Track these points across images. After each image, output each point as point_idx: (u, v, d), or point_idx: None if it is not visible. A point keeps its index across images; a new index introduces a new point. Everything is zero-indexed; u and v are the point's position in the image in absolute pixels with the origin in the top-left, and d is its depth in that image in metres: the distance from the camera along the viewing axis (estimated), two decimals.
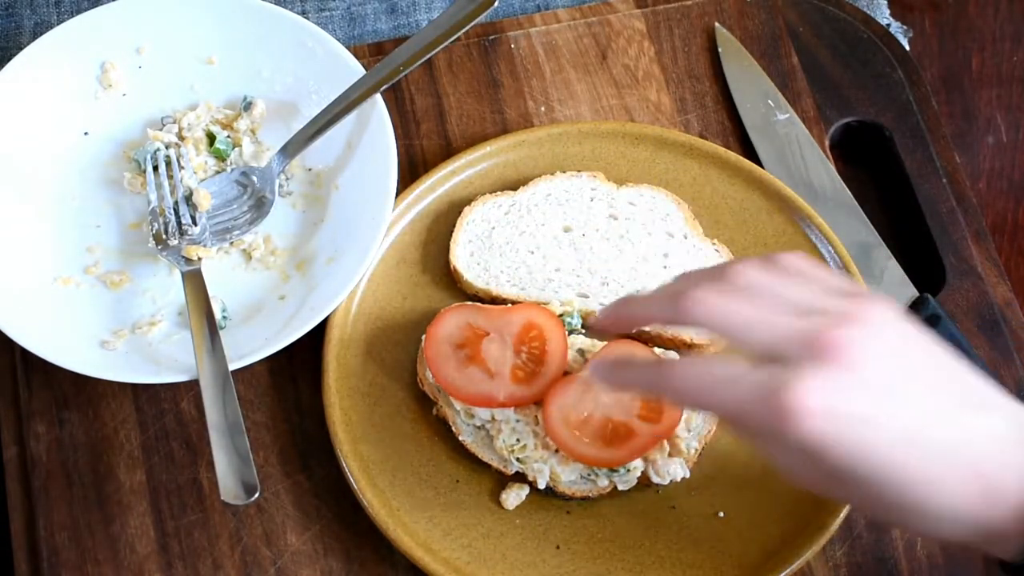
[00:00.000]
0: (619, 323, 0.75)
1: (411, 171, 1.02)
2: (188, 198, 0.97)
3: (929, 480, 0.63)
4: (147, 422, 0.93)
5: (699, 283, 0.68)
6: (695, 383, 0.66)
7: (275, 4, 1.01)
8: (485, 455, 0.88)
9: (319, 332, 0.91)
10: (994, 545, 0.65)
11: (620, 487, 0.87)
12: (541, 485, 0.87)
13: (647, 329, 0.92)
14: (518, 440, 0.87)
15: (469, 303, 0.93)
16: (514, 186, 0.99)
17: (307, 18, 1.03)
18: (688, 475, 0.88)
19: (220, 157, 1.00)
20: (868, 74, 1.07)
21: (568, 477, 0.87)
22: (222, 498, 0.80)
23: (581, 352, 0.90)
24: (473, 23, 0.98)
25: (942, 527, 0.65)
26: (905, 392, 0.63)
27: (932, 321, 0.94)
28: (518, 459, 0.87)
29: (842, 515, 0.86)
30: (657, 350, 0.89)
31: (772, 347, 0.64)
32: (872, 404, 0.62)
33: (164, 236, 0.95)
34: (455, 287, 0.96)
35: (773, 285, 0.67)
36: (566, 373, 0.88)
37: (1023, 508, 0.63)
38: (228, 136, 1.00)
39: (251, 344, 0.89)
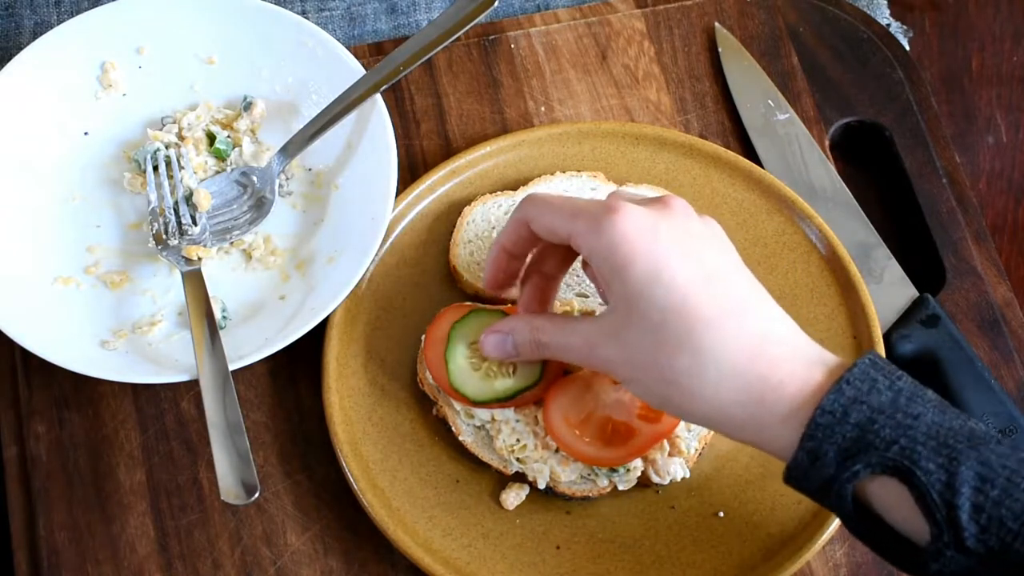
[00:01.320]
0: (493, 261, 0.84)
1: (411, 171, 1.02)
2: (188, 198, 0.97)
3: (718, 324, 0.70)
4: (147, 422, 0.93)
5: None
6: (559, 202, 0.77)
7: (275, 4, 1.01)
8: (485, 455, 0.88)
9: (319, 332, 0.91)
10: (762, 433, 0.70)
11: (620, 487, 0.87)
12: (541, 485, 0.87)
13: None
14: (518, 440, 0.87)
15: (469, 303, 0.93)
16: (514, 186, 0.99)
17: (307, 18, 1.03)
18: (688, 475, 0.88)
19: (220, 157, 1.00)
20: (868, 74, 1.07)
21: (568, 477, 0.87)
22: (222, 498, 0.80)
23: None
24: (473, 23, 0.98)
25: (715, 395, 0.70)
26: (704, 250, 0.73)
27: (932, 321, 0.94)
28: (518, 459, 0.87)
29: None
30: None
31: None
32: (684, 240, 0.73)
33: (164, 236, 0.95)
34: (455, 287, 0.96)
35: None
36: (566, 373, 0.88)
37: (795, 409, 0.69)
38: (228, 136, 1.00)
39: (251, 344, 0.89)
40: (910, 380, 0.70)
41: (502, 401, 0.86)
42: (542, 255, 0.84)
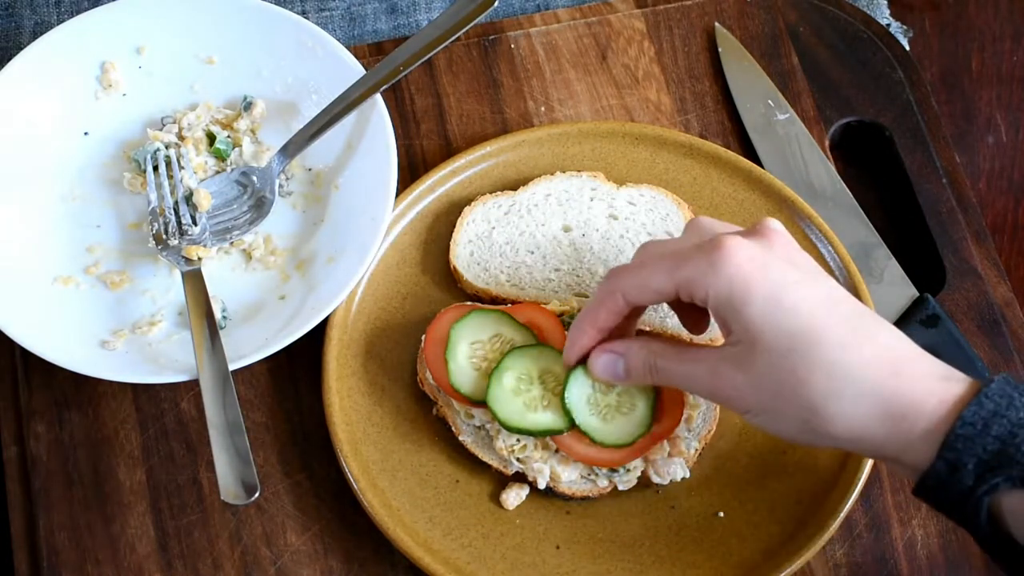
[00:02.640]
0: (580, 341, 0.83)
1: (411, 171, 1.02)
2: (188, 198, 0.97)
3: (850, 344, 0.70)
4: (147, 422, 0.93)
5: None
6: (650, 263, 0.77)
7: (275, 4, 1.01)
8: (485, 455, 0.88)
9: (319, 332, 0.91)
10: (903, 451, 0.70)
11: (620, 487, 0.87)
12: (541, 485, 0.87)
13: (646, 329, 0.92)
14: (518, 440, 0.87)
15: (469, 303, 0.93)
16: (514, 186, 0.99)
17: (307, 18, 1.03)
18: (688, 475, 0.88)
19: (220, 157, 1.00)
20: (868, 74, 1.07)
21: (568, 477, 0.87)
22: (222, 498, 0.80)
23: None
24: (473, 23, 0.98)
25: (854, 415, 0.70)
26: (817, 275, 0.74)
27: (932, 321, 0.94)
28: (518, 459, 0.87)
29: (842, 515, 0.86)
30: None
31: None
32: (792, 267, 0.73)
33: (164, 236, 0.95)
34: (455, 287, 0.96)
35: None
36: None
37: (936, 424, 0.68)
38: (228, 136, 1.00)
39: (251, 344, 0.89)
40: None
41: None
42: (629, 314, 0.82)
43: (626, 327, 0.83)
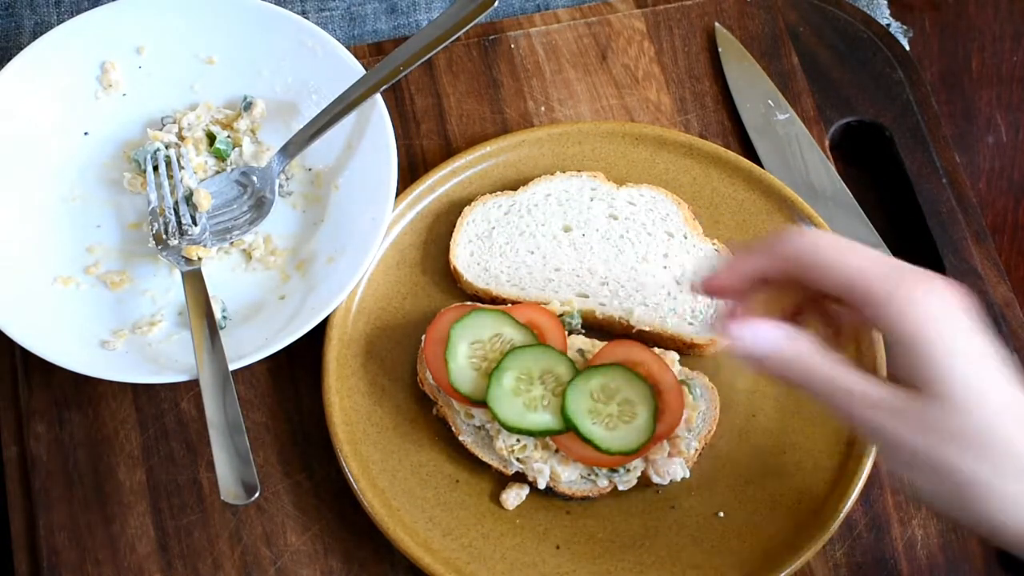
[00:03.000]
0: (734, 277, 0.75)
1: (411, 171, 1.02)
2: (188, 198, 0.97)
3: (1006, 423, 0.65)
4: (147, 422, 0.93)
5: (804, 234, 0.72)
6: (838, 243, 0.70)
7: (275, 4, 1.01)
8: (485, 455, 0.88)
9: (319, 332, 0.91)
10: None
11: (620, 487, 0.87)
12: (541, 485, 0.87)
13: (647, 329, 0.92)
14: (518, 440, 0.87)
15: (469, 303, 0.93)
16: (514, 186, 0.99)
17: (307, 18, 1.03)
18: (688, 475, 0.88)
19: (220, 157, 1.00)
20: (868, 74, 1.07)
21: (568, 477, 0.87)
22: (222, 498, 0.80)
23: (581, 352, 0.90)
24: (473, 23, 0.98)
25: (1011, 489, 0.65)
26: (985, 341, 0.68)
27: None
28: (518, 459, 0.87)
29: (842, 515, 0.86)
30: (656, 350, 0.89)
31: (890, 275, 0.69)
32: (968, 323, 0.67)
33: (164, 236, 0.95)
34: (455, 287, 0.96)
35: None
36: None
37: None
38: (228, 136, 1.00)
39: (251, 344, 0.89)
40: None
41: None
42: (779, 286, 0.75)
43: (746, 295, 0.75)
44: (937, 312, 0.67)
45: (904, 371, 0.68)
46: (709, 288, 0.75)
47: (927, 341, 0.66)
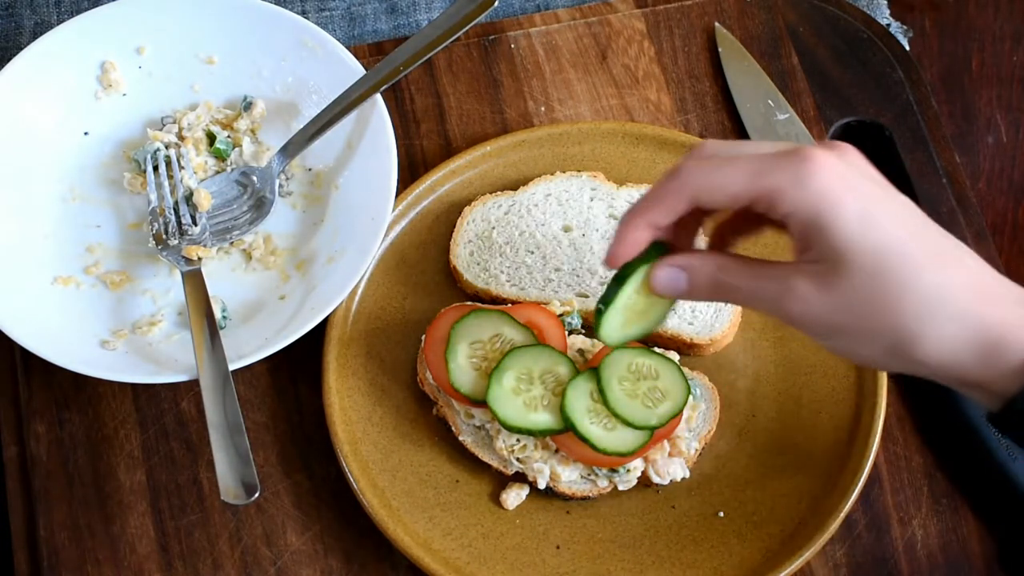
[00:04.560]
0: (630, 243, 0.75)
1: (411, 171, 1.02)
2: (188, 198, 0.97)
3: (942, 266, 0.68)
4: (147, 422, 0.93)
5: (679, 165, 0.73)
6: (718, 164, 0.72)
7: (275, 4, 1.01)
8: (485, 455, 0.88)
9: (319, 332, 0.91)
10: (988, 380, 0.69)
11: (620, 487, 0.87)
12: (541, 485, 0.87)
13: None
14: (518, 440, 0.87)
15: (469, 303, 0.93)
16: (514, 186, 0.99)
17: (307, 18, 1.03)
18: (688, 475, 0.88)
19: (220, 157, 1.00)
20: (868, 74, 1.07)
21: (568, 477, 0.87)
22: (222, 498, 0.80)
23: (581, 352, 0.90)
24: (473, 23, 0.98)
25: (944, 337, 0.68)
26: (899, 194, 0.71)
27: None
28: (518, 459, 0.87)
29: (842, 515, 0.86)
30: (657, 349, 0.89)
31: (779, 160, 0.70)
32: (876, 184, 0.70)
33: (164, 236, 0.95)
34: (455, 287, 0.96)
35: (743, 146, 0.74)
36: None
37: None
38: (228, 136, 1.00)
39: (251, 344, 0.89)
40: None
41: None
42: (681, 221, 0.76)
43: (680, 237, 0.77)
44: (827, 183, 0.68)
45: (815, 250, 0.70)
46: (613, 262, 0.76)
47: (824, 215, 0.68)
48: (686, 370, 0.90)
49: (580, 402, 0.85)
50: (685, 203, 0.72)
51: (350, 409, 0.90)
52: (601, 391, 0.85)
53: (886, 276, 0.68)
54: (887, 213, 0.69)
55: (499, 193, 0.98)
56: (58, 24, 1.00)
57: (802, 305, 0.70)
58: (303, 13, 1.11)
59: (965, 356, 0.69)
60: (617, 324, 0.77)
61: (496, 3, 0.98)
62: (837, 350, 0.73)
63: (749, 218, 0.77)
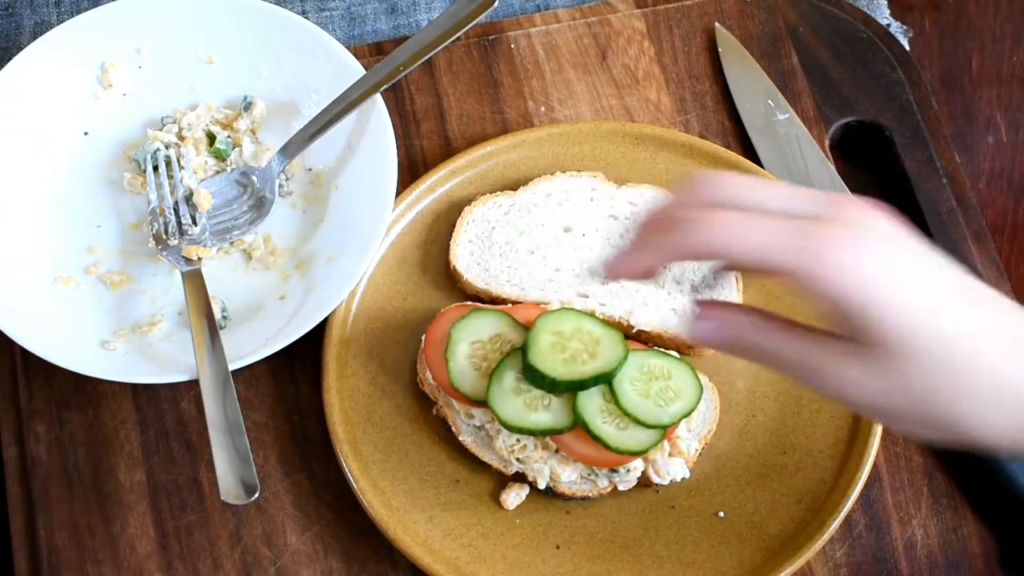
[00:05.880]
0: (632, 266, 0.70)
1: (411, 171, 1.02)
2: (188, 198, 0.97)
3: (982, 345, 0.64)
4: (147, 422, 0.93)
5: (693, 210, 0.67)
6: (733, 227, 0.65)
7: (275, 4, 1.01)
8: (485, 455, 0.88)
9: (319, 332, 0.91)
10: None
11: (620, 487, 0.87)
12: (541, 485, 0.87)
13: (647, 329, 0.92)
14: (518, 440, 0.87)
15: (469, 303, 0.93)
16: (514, 186, 0.99)
17: (307, 18, 1.03)
18: (688, 475, 0.88)
19: (220, 157, 1.00)
20: (868, 74, 1.07)
21: (568, 477, 0.87)
22: (222, 498, 0.80)
23: None
24: (473, 23, 0.98)
25: (991, 414, 0.65)
26: (932, 273, 0.65)
27: None
28: (518, 459, 0.87)
29: (842, 515, 0.86)
30: (659, 350, 0.89)
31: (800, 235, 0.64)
32: (909, 265, 0.64)
33: (164, 236, 0.95)
34: (455, 287, 0.96)
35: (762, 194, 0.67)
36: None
37: None
38: (228, 136, 1.00)
39: (251, 344, 0.89)
40: None
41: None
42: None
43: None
44: (869, 271, 0.63)
45: (855, 332, 0.65)
46: (613, 274, 0.71)
47: (870, 306, 0.63)
48: None
49: (592, 402, 0.85)
50: (694, 257, 0.67)
51: (350, 409, 0.90)
52: (612, 391, 0.85)
53: (938, 360, 0.64)
54: (931, 292, 0.64)
55: (499, 193, 0.98)
56: (58, 24, 1.00)
57: (854, 389, 0.66)
58: (303, 13, 1.11)
59: (1018, 435, 0.66)
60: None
61: (496, 3, 0.98)
62: (895, 430, 0.71)
63: None
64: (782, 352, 0.68)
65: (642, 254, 0.69)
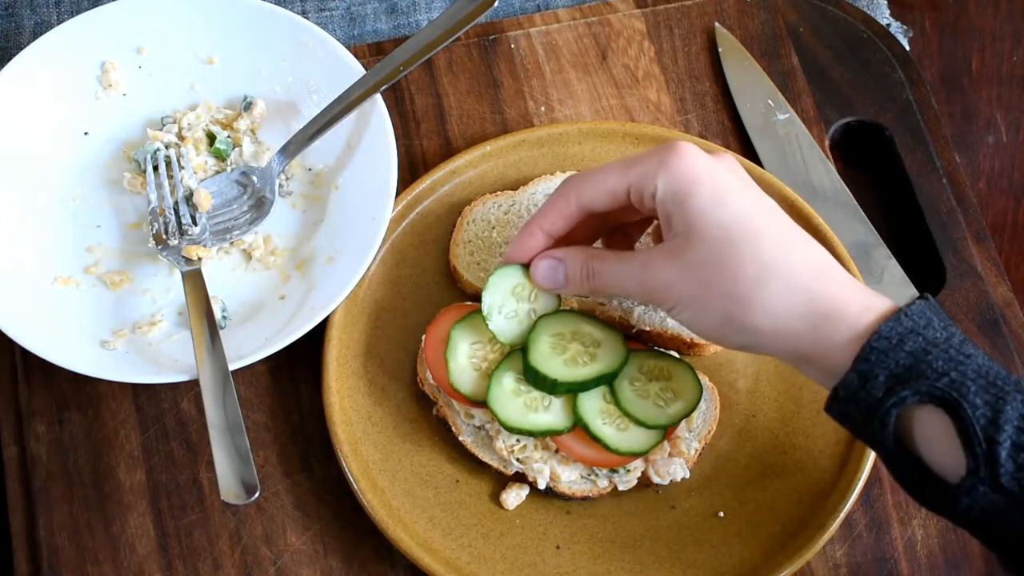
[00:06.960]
0: (527, 249, 0.84)
1: (411, 171, 1.02)
2: (188, 198, 0.97)
3: (784, 242, 0.74)
4: (147, 422, 0.93)
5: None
6: (604, 166, 0.80)
7: (275, 4, 1.01)
8: (485, 455, 0.88)
9: (319, 332, 0.91)
10: (819, 351, 0.72)
11: (620, 487, 0.87)
12: (541, 485, 0.87)
13: (647, 329, 0.92)
14: (518, 440, 0.87)
15: (469, 303, 0.93)
16: (514, 186, 0.99)
17: (307, 18, 1.03)
18: (688, 475, 0.88)
19: (220, 157, 1.00)
20: (868, 74, 1.07)
21: (568, 477, 0.87)
22: (222, 498, 0.80)
23: None
24: (473, 23, 0.98)
25: (778, 306, 0.72)
26: (759, 191, 0.78)
27: None
28: (518, 459, 0.87)
29: (842, 515, 0.86)
30: (659, 350, 0.89)
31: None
32: (739, 179, 0.77)
33: (164, 236, 0.95)
34: (455, 287, 0.96)
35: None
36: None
37: (854, 333, 0.71)
38: (228, 136, 1.00)
39: (251, 344, 0.89)
40: (960, 329, 0.72)
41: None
42: (574, 231, 0.84)
43: (580, 239, 0.85)
44: (685, 167, 0.75)
45: (673, 230, 0.76)
46: (510, 262, 0.85)
47: (680, 196, 0.75)
48: None
49: (592, 403, 0.85)
50: (572, 207, 0.81)
51: (350, 409, 0.90)
52: (613, 392, 0.85)
53: (728, 247, 0.73)
54: (741, 196, 0.75)
55: (499, 193, 0.98)
56: (58, 24, 1.00)
57: (655, 274, 0.76)
58: (303, 13, 1.11)
59: (798, 326, 0.72)
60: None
61: (496, 3, 0.98)
62: (684, 321, 0.77)
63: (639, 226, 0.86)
64: (609, 268, 0.80)
65: (534, 224, 0.83)
